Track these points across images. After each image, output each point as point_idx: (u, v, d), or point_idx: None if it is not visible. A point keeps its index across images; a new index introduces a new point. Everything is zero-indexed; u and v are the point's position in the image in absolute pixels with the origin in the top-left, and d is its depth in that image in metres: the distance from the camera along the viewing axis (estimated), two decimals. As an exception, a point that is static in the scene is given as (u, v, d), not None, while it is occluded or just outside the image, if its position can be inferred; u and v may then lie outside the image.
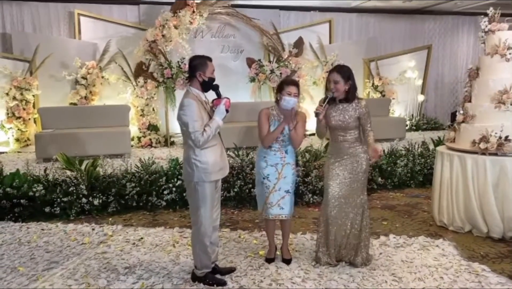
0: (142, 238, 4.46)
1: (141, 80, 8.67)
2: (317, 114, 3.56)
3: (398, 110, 10.75)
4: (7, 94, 8.15)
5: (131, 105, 8.68)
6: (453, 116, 6.55)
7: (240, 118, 7.87)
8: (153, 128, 8.76)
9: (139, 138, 8.71)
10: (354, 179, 3.63)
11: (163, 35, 8.51)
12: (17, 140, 8.30)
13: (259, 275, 3.56)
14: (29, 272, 3.68)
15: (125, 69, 8.92)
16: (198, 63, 3.30)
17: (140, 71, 8.70)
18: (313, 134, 9.28)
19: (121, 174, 5.60)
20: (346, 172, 3.63)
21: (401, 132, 8.83)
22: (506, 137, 4.27)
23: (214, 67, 3.37)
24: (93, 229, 4.75)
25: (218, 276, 3.49)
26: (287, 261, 3.77)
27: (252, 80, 9.27)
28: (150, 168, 5.72)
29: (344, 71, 3.59)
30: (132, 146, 7.99)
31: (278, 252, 3.88)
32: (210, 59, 3.36)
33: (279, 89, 3.63)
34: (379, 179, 6.19)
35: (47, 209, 5.14)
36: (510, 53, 4.51)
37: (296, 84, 3.64)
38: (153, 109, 8.84)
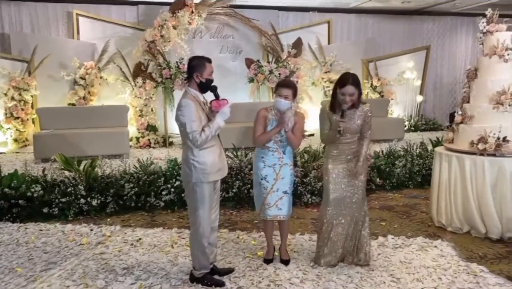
0: (140, 238, 4.45)
1: (139, 80, 8.67)
2: (339, 132, 3.46)
3: (396, 110, 10.77)
4: (5, 94, 8.16)
5: (129, 106, 8.68)
6: (452, 116, 6.55)
7: (239, 119, 7.86)
8: (151, 128, 8.77)
9: (137, 139, 8.71)
10: (354, 180, 3.62)
11: (161, 36, 8.52)
12: (16, 140, 8.31)
13: (258, 276, 3.56)
14: (27, 273, 3.67)
15: (123, 69, 8.92)
16: (196, 64, 3.30)
17: (139, 71, 8.70)
18: (312, 135, 9.30)
19: (120, 174, 5.59)
20: (346, 173, 3.62)
21: (399, 132, 8.84)
22: (504, 138, 4.27)
23: (213, 69, 3.36)
24: (91, 230, 4.74)
25: (216, 277, 3.49)
26: (286, 262, 3.76)
27: (251, 80, 9.28)
28: (148, 168, 5.71)
29: (357, 82, 3.50)
30: (130, 146, 7.98)
31: (276, 253, 3.88)
32: (209, 60, 3.34)
33: (275, 90, 3.65)
34: (378, 179, 6.19)
35: (45, 210, 5.12)
36: (508, 54, 4.52)
37: (289, 86, 3.59)
38: (152, 110, 8.84)
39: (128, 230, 4.72)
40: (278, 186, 3.65)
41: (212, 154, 3.29)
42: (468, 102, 4.84)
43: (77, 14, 9.22)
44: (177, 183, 5.43)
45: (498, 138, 4.27)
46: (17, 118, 8.24)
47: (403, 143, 7.41)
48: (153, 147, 8.56)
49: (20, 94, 8.21)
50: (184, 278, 3.53)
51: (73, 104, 8.76)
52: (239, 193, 5.51)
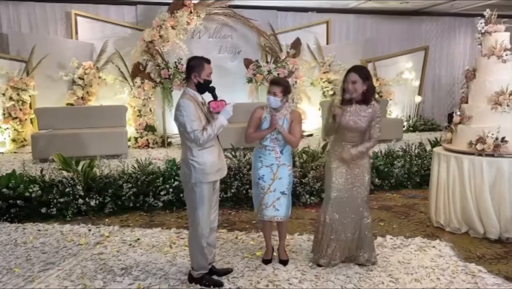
0: (138, 239, 4.45)
1: (138, 80, 8.66)
2: (334, 116, 3.49)
3: (395, 111, 10.77)
4: (3, 94, 8.13)
5: (128, 106, 8.66)
6: (450, 117, 6.57)
7: (238, 119, 7.77)
8: (150, 128, 8.75)
9: (136, 139, 8.70)
10: (358, 180, 3.63)
11: (160, 36, 8.51)
12: (14, 140, 8.28)
13: (256, 276, 3.56)
14: (25, 273, 3.66)
15: (122, 69, 8.90)
16: (195, 64, 3.29)
17: (137, 71, 8.69)
18: (311, 135, 9.30)
19: (118, 174, 5.58)
20: (350, 172, 3.61)
21: (398, 133, 8.84)
22: (503, 138, 4.27)
23: (212, 69, 3.35)
24: (89, 230, 4.74)
25: (215, 277, 3.49)
26: (284, 262, 3.76)
27: (250, 81, 9.28)
28: (147, 168, 5.71)
29: (362, 71, 3.54)
30: (129, 146, 7.97)
31: (275, 253, 3.88)
32: (208, 61, 3.33)
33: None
34: (376, 180, 6.20)
35: (43, 210, 5.12)
36: (506, 55, 4.52)
37: (279, 83, 3.63)
38: (150, 110, 8.82)
39: (126, 230, 4.72)
40: (275, 186, 3.64)
41: (212, 154, 3.29)
42: (467, 102, 4.85)
43: (76, 14, 9.20)
44: (176, 183, 5.43)
45: (497, 139, 4.28)
46: (15, 118, 8.22)
47: (402, 143, 7.41)
48: (152, 147, 8.55)
49: (18, 94, 8.18)
50: (182, 278, 3.53)
51: (72, 104, 8.73)
52: (237, 194, 5.51)
